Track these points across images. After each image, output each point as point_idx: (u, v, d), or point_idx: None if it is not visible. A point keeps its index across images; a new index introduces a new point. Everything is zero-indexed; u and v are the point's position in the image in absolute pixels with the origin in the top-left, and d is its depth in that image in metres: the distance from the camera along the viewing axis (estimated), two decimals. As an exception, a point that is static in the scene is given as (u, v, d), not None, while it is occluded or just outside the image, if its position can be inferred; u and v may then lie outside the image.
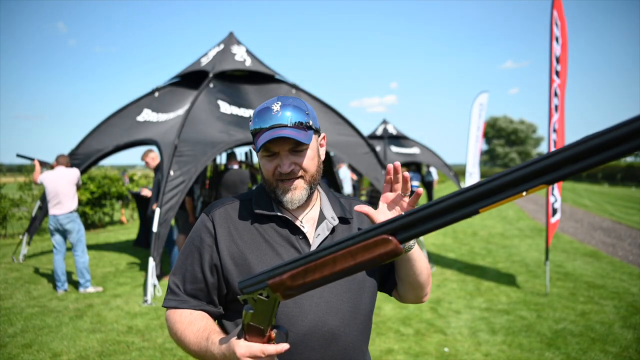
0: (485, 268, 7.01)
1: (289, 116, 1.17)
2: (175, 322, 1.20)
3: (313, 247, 1.22)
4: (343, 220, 1.30)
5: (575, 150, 0.62)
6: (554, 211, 5.85)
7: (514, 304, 5.23)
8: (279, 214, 1.24)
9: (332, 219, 1.28)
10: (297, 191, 1.21)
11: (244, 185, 6.77)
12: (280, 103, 1.19)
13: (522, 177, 0.67)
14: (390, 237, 0.80)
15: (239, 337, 0.98)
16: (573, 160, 0.63)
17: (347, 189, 12.02)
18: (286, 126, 1.16)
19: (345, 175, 12.02)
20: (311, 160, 1.23)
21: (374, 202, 14.42)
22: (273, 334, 0.97)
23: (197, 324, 1.15)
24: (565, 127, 5.90)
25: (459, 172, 23.80)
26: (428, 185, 17.96)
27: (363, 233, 0.83)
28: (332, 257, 0.85)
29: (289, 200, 1.21)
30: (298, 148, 1.20)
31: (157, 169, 6.45)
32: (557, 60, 5.67)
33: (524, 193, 0.67)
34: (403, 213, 0.78)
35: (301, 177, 1.22)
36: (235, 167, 7.00)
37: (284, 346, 0.96)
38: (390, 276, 1.36)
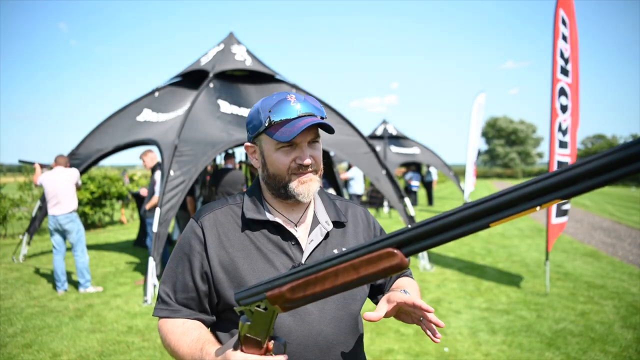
0: (485, 268, 7.01)
1: (313, 106, 1.16)
2: (167, 333, 1.15)
3: (306, 253, 1.18)
4: (337, 224, 1.26)
5: (593, 164, 0.59)
6: (563, 212, 5.77)
7: (514, 304, 5.23)
8: (270, 219, 1.19)
9: (326, 224, 1.23)
10: (313, 183, 1.18)
11: (238, 185, 6.75)
12: (295, 96, 1.16)
13: (537, 191, 0.63)
14: (395, 251, 0.76)
15: (235, 349, 0.95)
16: (590, 175, 0.59)
17: (359, 188, 11.85)
18: (314, 115, 1.14)
19: (355, 176, 11.82)
20: (321, 155, 1.21)
21: (373, 202, 14.45)
22: (270, 345, 0.94)
23: (190, 335, 1.11)
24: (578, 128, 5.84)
25: (458, 172, 23.82)
26: (428, 185, 17.99)
27: (367, 245, 0.79)
28: (334, 270, 0.81)
29: (306, 192, 1.17)
30: (316, 140, 1.17)
31: (154, 169, 6.45)
32: (564, 59, 5.63)
33: (538, 208, 0.64)
34: (409, 226, 0.75)
35: (315, 170, 1.19)
36: (230, 166, 6.99)
37: (281, 358, 0.93)
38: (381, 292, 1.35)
